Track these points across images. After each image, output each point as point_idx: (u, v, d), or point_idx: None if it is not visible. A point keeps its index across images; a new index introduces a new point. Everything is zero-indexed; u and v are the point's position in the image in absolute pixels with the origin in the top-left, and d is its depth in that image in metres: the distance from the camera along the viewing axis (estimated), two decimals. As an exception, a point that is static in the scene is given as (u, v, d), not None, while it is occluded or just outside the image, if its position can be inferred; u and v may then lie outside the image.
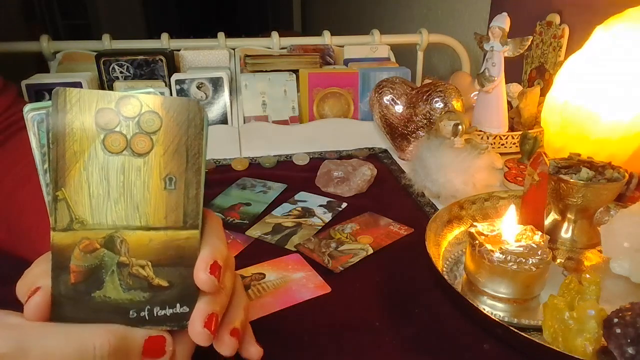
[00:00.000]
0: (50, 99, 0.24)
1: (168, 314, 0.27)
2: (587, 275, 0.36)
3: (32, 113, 0.25)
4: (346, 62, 1.06)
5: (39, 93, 0.86)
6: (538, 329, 0.38)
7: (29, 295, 0.25)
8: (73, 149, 0.24)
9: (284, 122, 0.91)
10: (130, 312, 0.26)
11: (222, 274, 0.27)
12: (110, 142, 0.25)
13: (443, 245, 0.51)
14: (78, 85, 0.86)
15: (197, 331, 0.27)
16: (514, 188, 0.65)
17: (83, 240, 0.25)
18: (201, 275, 0.26)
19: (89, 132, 0.24)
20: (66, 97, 0.24)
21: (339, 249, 0.51)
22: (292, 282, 0.46)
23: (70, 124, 0.24)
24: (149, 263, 0.26)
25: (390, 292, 0.45)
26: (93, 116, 0.24)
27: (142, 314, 0.26)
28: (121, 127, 0.25)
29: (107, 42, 1.01)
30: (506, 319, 0.39)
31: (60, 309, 0.25)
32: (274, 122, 0.91)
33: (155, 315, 0.27)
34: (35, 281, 0.26)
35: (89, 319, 0.26)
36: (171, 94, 0.88)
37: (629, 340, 0.31)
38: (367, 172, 0.66)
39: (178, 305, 0.27)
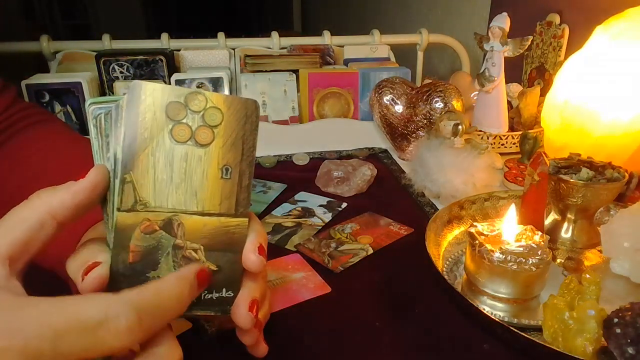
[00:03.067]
0: (93, 96, 0.25)
1: (214, 298, 0.28)
2: (587, 275, 0.36)
3: (93, 106, 0.28)
4: (346, 62, 1.06)
5: (39, 93, 0.86)
6: (538, 329, 0.38)
7: (88, 269, 0.26)
8: (144, 136, 0.26)
9: (284, 122, 0.91)
10: None
11: (266, 259, 0.29)
12: (177, 132, 0.27)
13: (443, 245, 0.51)
14: (78, 85, 0.86)
15: (242, 314, 0.28)
16: (514, 188, 0.65)
17: (144, 221, 0.27)
18: (251, 256, 0.28)
19: (159, 121, 0.27)
20: (142, 89, 0.26)
21: (339, 249, 0.51)
22: (292, 282, 0.46)
23: (144, 113, 0.26)
24: (202, 247, 0.28)
25: (390, 292, 0.45)
26: (164, 108, 0.27)
27: None
28: (187, 119, 0.27)
29: (107, 42, 1.01)
30: (506, 319, 0.39)
31: (116, 286, 0.26)
32: (274, 122, 0.91)
33: (202, 298, 0.28)
34: (93, 257, 0.27)
35: None
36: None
37: (629, 340, 0.31)
38: (367, 172, 0.66)
39: (224, 289, 0.29)
